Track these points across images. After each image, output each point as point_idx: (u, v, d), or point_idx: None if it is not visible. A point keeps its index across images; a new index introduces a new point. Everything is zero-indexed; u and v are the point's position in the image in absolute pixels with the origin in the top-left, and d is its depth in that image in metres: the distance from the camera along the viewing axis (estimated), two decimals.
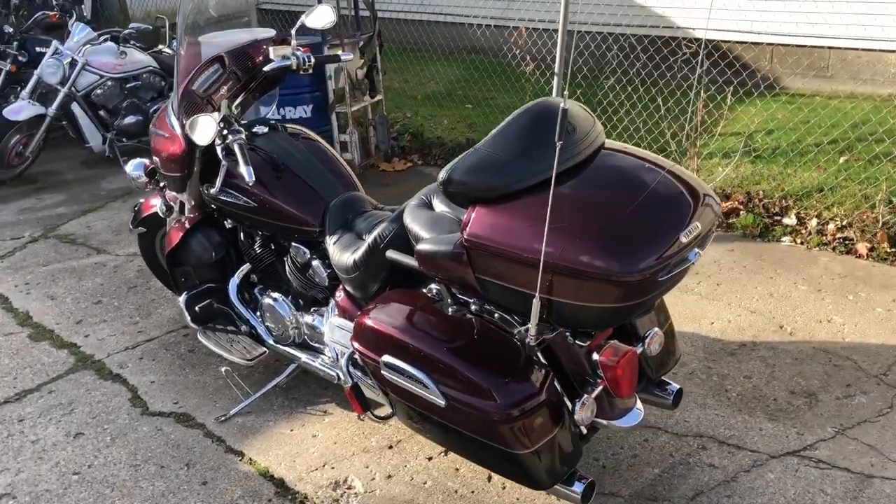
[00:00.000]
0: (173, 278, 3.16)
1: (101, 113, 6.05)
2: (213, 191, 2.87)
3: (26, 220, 5.18)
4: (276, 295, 2.98)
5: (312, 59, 3.18)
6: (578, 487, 2.15)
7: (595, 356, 2.17)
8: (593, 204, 1.96)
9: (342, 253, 2.61)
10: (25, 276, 4.30)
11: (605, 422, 2.25)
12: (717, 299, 3.64)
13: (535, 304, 1.92)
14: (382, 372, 2.27)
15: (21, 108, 5.66)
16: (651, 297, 1.98)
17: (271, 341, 3.03)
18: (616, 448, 2.72)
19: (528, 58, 5.41)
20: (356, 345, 2.36)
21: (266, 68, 3.07)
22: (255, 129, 2.99)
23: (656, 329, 2.36)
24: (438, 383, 2.14)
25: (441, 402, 2.13)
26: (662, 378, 2.54)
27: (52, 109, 5.80)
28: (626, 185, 2.01)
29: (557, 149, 1.80)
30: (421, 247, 2.18)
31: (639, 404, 2.30)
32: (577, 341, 2.20)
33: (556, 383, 2.18)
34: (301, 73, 3.14)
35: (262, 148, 2.90)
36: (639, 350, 2.31)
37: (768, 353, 3.21)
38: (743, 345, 3.27)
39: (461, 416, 2.13)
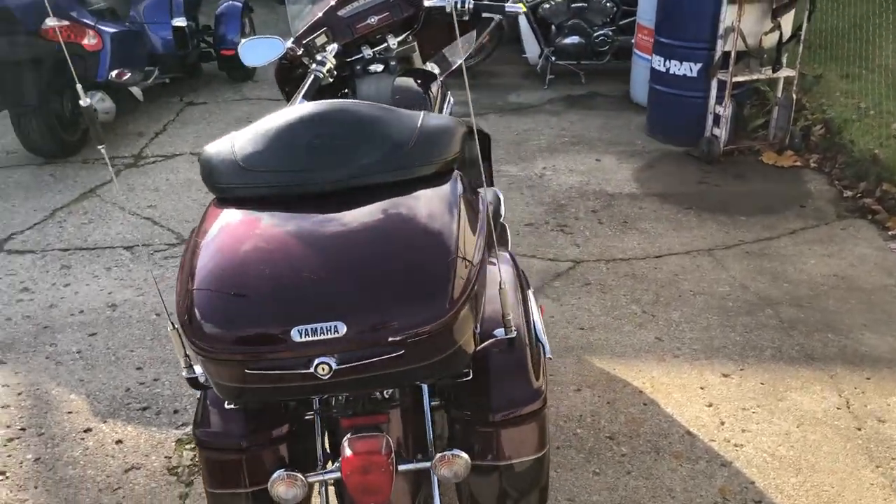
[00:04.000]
0: None
1: (547, 27, 6.20)
2: None
3: None
4: None
5: (470, 5, 2.83)
6: None
7: (346, 438, 1.72)
8: (247, 249, 1.49)
9: None
10: None
11: None
12: None
13: (173, 336, 1.61)
14: None
15: None
16: (253, 392, 1.48)
17: None
18: None
19: None
20: None
21: (427, 3, 2.87)
22: (369, 68, 2.85)
23: (458, 453, 1.71)
24: None
25: None
26: None
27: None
28: (305, 242, 1.48)
29: None
30: None
31: None
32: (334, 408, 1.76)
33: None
34: (458, 19, 2.84)
35: (354, 89, 2.78)
36: (421, 465, 1.73)
37: None
38: None
39: None
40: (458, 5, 2.78)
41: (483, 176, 3.31)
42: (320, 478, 1.72)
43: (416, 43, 3.02)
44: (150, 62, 5.31)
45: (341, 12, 2.88)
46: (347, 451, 1.64)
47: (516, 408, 1.77)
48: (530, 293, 2.08)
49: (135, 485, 2.40)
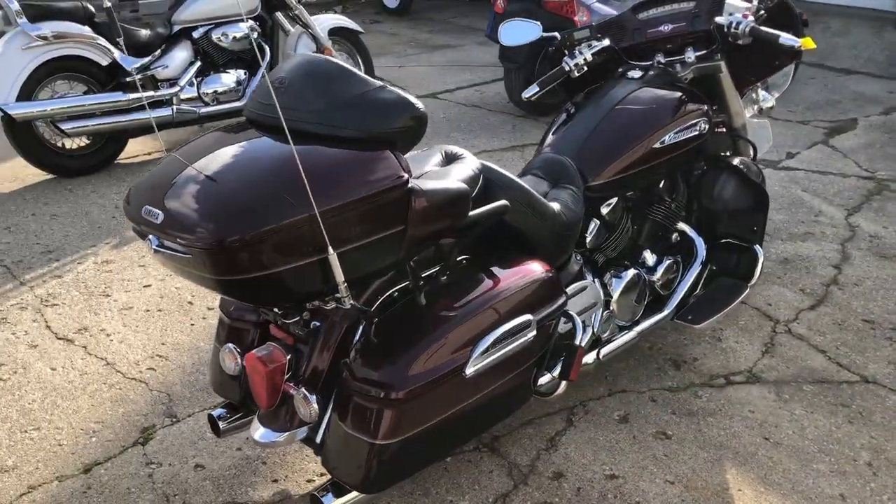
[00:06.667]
0: None
1: None
2: (524, 95, 2.88)
3: None
4: None
5: (746, 28, 2.49)
6: (214, 413, 2.19)
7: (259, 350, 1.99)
8: (191, 147, 1.80)
9: None
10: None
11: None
12: None
13: None
14: None
15: None
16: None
17: None
18: None
19: None
20: None
21: (718, 19, 2.61)
22: (629, 73, 2.71)
23: (311, 399, 1.85)
24: None
25: None
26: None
27: None
28: (211, 152, 1.74)
29: None
30: None
31: (279, 434, 1.96)
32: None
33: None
34: (732, 40, 2.56)
35: (600, 87, 2.70)
36: (295, 392, 1.91)
37: None
38: None
39: None
40: (733, 27, 2.51)
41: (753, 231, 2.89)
42: (236, 359, 2.06)
43: (722, 63, 2.75)
44: None
45: (640, 15, 2.84)
46: (252, 350, 1.94)
47: (371, 384, 1.83)
48: (508, 326, 2.00)
49: None
